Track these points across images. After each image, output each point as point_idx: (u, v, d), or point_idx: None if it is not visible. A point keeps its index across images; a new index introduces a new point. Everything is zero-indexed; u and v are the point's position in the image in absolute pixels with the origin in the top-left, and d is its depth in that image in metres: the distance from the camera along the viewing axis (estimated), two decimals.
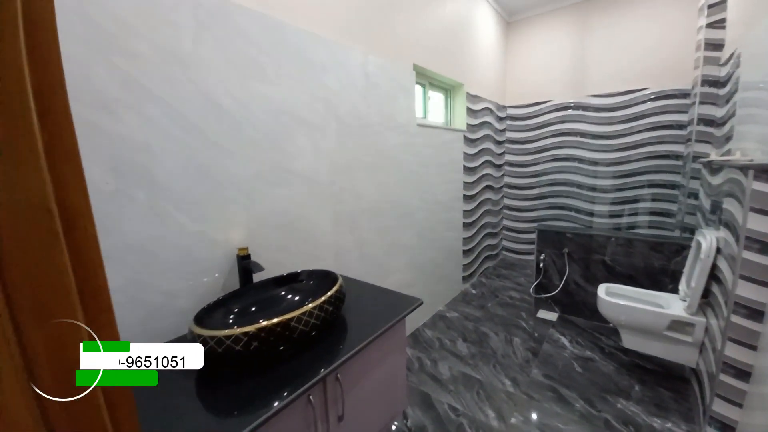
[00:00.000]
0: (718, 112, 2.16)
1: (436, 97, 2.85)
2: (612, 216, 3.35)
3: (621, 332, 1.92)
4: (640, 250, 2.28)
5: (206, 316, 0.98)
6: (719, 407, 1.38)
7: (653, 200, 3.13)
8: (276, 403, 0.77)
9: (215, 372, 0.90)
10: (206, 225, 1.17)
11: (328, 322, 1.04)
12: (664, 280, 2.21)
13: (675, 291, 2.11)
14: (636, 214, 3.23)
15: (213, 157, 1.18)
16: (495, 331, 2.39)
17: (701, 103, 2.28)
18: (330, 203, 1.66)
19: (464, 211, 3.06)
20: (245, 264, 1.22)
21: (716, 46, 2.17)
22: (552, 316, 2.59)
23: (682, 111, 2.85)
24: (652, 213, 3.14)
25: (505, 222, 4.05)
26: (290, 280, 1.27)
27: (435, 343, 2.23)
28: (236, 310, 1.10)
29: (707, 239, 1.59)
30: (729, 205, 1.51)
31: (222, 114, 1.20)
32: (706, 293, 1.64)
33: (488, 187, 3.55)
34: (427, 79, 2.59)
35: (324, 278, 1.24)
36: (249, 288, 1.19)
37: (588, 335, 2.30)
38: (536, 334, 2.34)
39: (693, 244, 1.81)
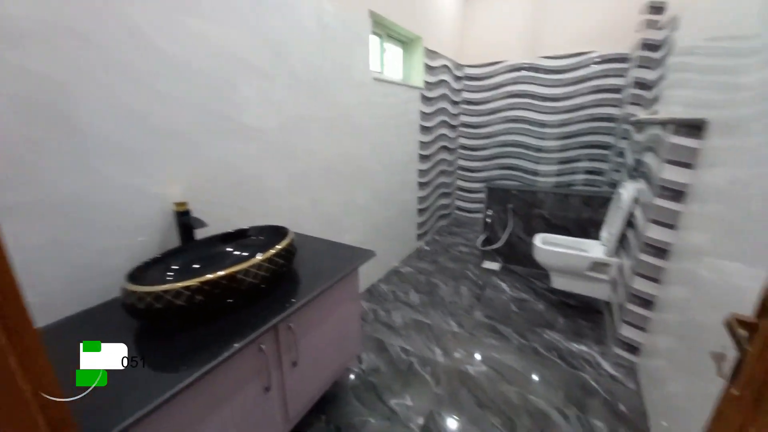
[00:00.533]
0: (650, 75, 2.34)
1: (393, 51, 2.73)
2: (554, 175, 3.61)
3: (551, 275, 2.17)
4: (573, 204, 2.52)
5: (142, 274, 0.92)
6: (626, 331, 1.64)
7: (589, 160, 3.41)
8: (225, 353, 0.78)
9: (157, 327, 0.87)
10: (140, 178, 1.06)
11: (279, 275, 1.04)
12: (592, 229, 2.49)
13: (598, 238, 2.39)
14: (574, 173, 3.51)
15: (146, 102, 1.05)
16: (444, 281, 2.57)
17: (638, 66, 2.44)
18: (283, 160, 1.58)
19: (419, 170, 3.11)
20: (185, 220, 1.14)
21: (658, 8, 2.27)
22: (496, 266, 2.83)
23: (621, 75, 3.04)
24: (588, 172, 3.43)
25: (459, 182, 4.20)
26: (238, 236, 1.23)
27: (389, 296, 2.35)
28: (176, 267, 1.05)
29: (627, 190, 1.79)
30: (648, 158, 1.69)
31: (154, 53, 1.05)
32: (622, 238, 1.87)
33: (444, 147, 3.61)
34: (383, 29, 2.45)
35: (274, 233, 1.21)
36: (191, 245, 1.13)
37: (525, 281, 2.56)
38: (480, 282, 2.55)
39: (615, 196, 2.03)
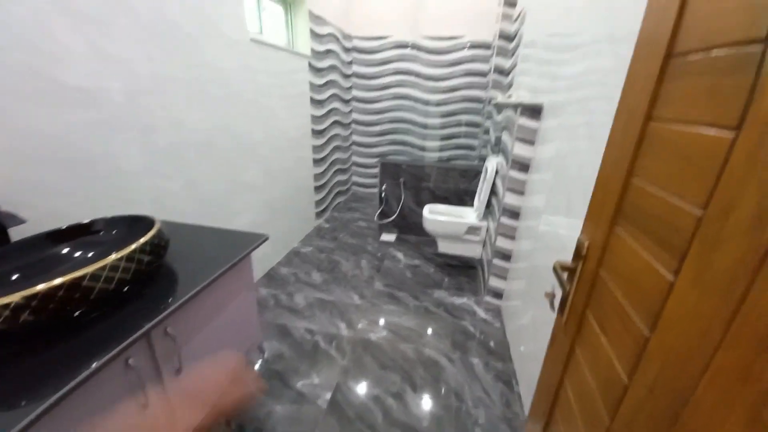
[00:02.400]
0: (506, 63, 2.74)
1: (274, 10, 2.46)
2: (437, 150, 3.99)
3: (437, 241, 2.45)
4: (453, 177, 2.85)
5: None
6: (493, 282, 1.99)
7: (465, 137, 3.88)
8: (78, 377, 0.62)
9: None
10: None
11: (148, 274, 0.87)
12: (467, 198, 2.88)
13: (472, 205, 2.79)
14: (453, 148, 3.95)
15: None
16: (345, 257, 2.62)
17: (497, 54, 2.82)
18: (135, 130, 1.28)
19: (314, 146, 2.99)
20: None
21: (511, 3, 2.63)
22: (391, 237, 3.03)
23: (485, 61, 3.49)
24: (464, 147, 3.91)
25: (354, 158, 4.24)
26: (77, 233, 0.96)
27: (290, 279, 2.27)
28: None
29: (491, 163, 2.12)
30: (505, 137, 2.02)
31: None
32: (489, 204, 2.23)
33: (337, 122, 3.54)
34: None
35: (133, 225, 0.99)
36: (5, 250, 0.84)
37: (417, 248, 2.83)
38: (379, 254, 2.70)
39: (483, 170, 2.38)
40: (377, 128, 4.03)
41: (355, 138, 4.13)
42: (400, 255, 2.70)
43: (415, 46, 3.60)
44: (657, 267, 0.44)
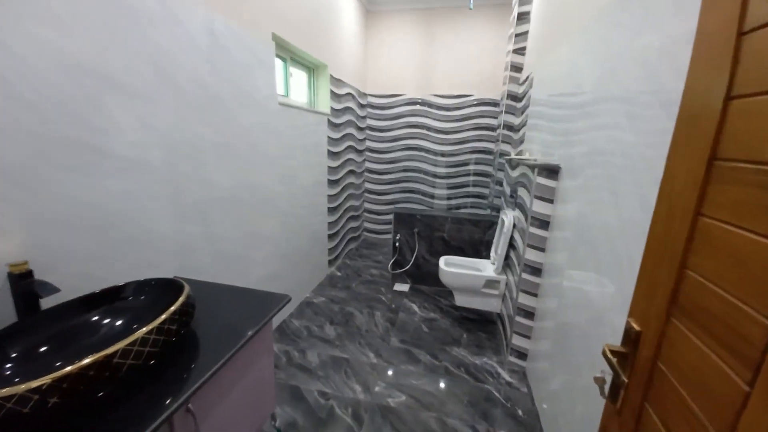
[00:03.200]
0: (515, 120, 2.87)
1: (299, 76, 2.68)
2: (448, 198, 4.06)
3: (454, 293, 2.38)
4: (466, 227, 2.86)
5: None
6: (516, 340, 1.90)
7: (474, 186, 3.96)
8: None
9: None
10: None
11: (173, 344, 0.85)
12: (482, 248, 2.86)
13: (488, 257, 2.76)
14: (462, 196, 4.02)
15: None
16: (359, 309, 2.55)
17: (506, 112, 2.97)
18: (168, 193, 1.34)
19: (329, 195, 3.07)
20: (25, 286, 0.84)
21: (518, 68, 2.83)
22: (405, 287, 2.97)
23: (493, 117, 3.67)
24: (473, 196, 3.97)
25: (366, 204, 4.31)
26: (108, 298, 0.96)
27: (303, 332, 2.20)
28: (15, 354, 0.76)
29: (508, 217, 2.13)
30: (521, 192, 2.05)
31: None
32: (507, 257, 2.20)
33: (351, 171, 3.67)
34: (288, 53, 2.38)
35: (164, 289, 1.00)
36: (36, 319, 0.84)
37: (432, 300, 2.76)
38: (393, 305, 2.63)
39: (499, 221, 2.39)
40: (389, 177, 4.15)
41: (368, 186, 4.24)
42: (415, 307, 2.62)
43: (425, 103, 3.83)
44: (729, 372, 0.41)
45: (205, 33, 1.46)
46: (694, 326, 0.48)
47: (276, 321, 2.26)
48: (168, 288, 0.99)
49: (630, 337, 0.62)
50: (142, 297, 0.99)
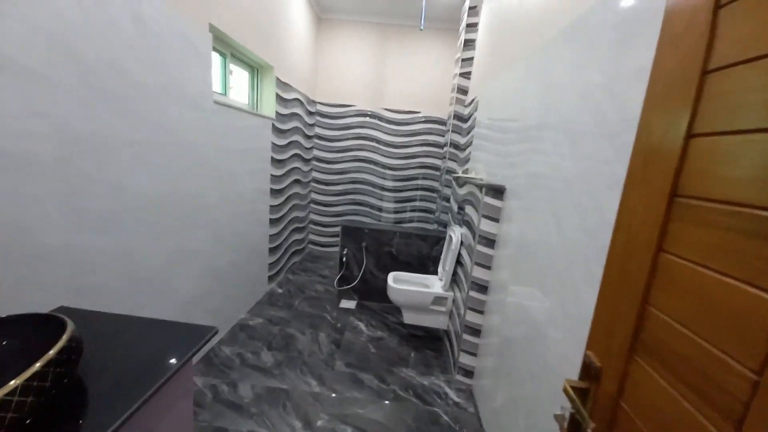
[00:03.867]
0: (461, 140, 2.99)
1: (240, 75, 2.46)
2: (395, 212, 4.07)
3: (402, 311, 2.34)
4: (414, 242, 2.86)
5: None
6: (463, 358, 1.90)
7: (421, 200, 4.03)
8: None
9: None
10: None
11: (52, 398, 0.64)
12: (429, 263, 2.87)
13: (436, 272, 2.78)
14: (409, 210, 4.06)
15: None
16: (302, 330, 2.37)
17: (453, 131, 3.08)
18: (60, 196, 1.07)
19: (271, 206, 2.85)
20: None
21: (464, 91, 2.96)
22: (352, 304, 2.85)
23: (441, 134, 3.79)
24: (420, 210, 4.04)
25: (312, 216, 4.12)
26: None
27: (234, 361, 1.95)
28: None
29: (456, 234, 2.16)
30: (469, 210, 2.09)
31: None
32: (455, 273, 2.23)
33: (297, 181, 3.47)
34: (228, 49, 2.17)
35: (37, 328, 0.76)
36: None
37: (379, 317, 2.68)
38: (339, 325, 2.49)
39: (446, 238, 2.42)
40: (337, 188, 4.03)
41: (314, 196, 4.07)
42: (362, 325, 2.51)
43: (375, 116, 3.83)
44: (704, 422, 0.39)
45: (127, 9, 1.23)
46: (660, 367, 0.47)
47: (202, 350, 1.97)
48: (44, 325, 0.76)
49: (590, 373, 0.60)
50: (5, 342, 0.74)
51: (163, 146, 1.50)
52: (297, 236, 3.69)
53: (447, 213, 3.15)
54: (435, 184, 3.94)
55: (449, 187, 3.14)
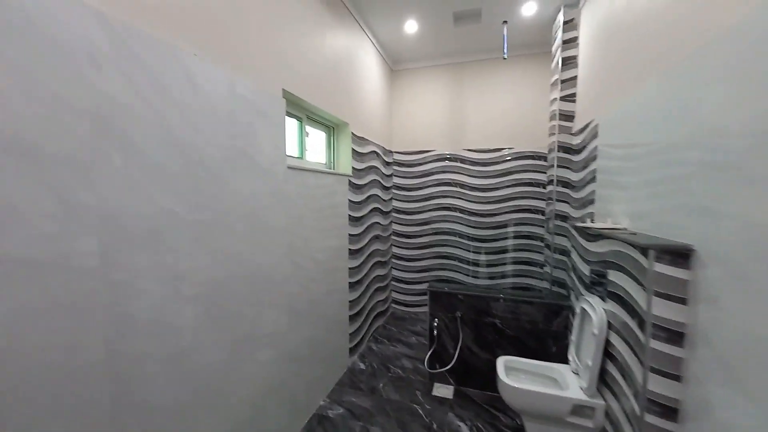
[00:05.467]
0: (574, 176, 2.36)
1: (317, 135, 2.40)
2: (489, 265, 3.44)
3: (524, 419, 1.68)
4: (524, 311, 2.21)
5: None
6: None
7: (520, 250, 3.35)
8: None
9: None
10: None
11: None
12: (548, 341, 2.16)
13: (560, 353, 2.06)
14: (512, 263, 3.39)
15: None
16: (387, 428, 1.88)
17: (559, 166, 2.49)
18: (101, 305, 0.90)
19: (350, 268, 2.59)
20: None
21: (568, 117, 2.41)
22: (448, 391, 2.26)
23: (540, 171, 3.18)
24: (521, 262, 3.34)
25: (394, 272, 3.78)
26: None
27: None
28: None
29: (597, 312, 1.50)
30: (617, 277, 1.45)
31: None
32: (603, 370, 1.53)
33: (376, 237, 3.22)
34: (304, 111, 2.12)
35: None
36: None
37: (486, 415, 2.03)
38: (433, 425, 1.93)
39: (578, 311, 1.75)
40: (419, 240, 3.65)
41: (395, 250, 3.75)
42: (464, 428, 1.91)
43: (456, 158, 3.46)
44: None
45: (185, 79, 1.14)
46: None
47: None
48: None
49: None
50: None
51: (229, 222, 1.35)
52: (379, 296, 3.34)
53: (563, 269, 2.44)
54: (538, 230, 3.25)
55: (563, 235, 2.47)
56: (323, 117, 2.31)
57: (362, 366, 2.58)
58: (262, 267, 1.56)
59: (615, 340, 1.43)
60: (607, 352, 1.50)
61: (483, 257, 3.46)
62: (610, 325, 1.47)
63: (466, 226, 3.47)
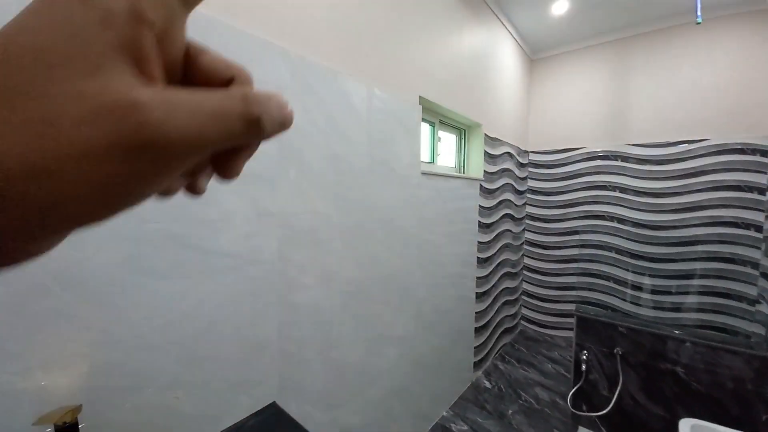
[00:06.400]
0: None
1: (447, 139, 2.35)
2: (655, 292, 2.68)
3: None
4: (725, 362, 1.60)
5: None
6: None
7: (714, 277, 2.47)
8: None
9: None
10: None
11: None
12: (758, 406, 1.51)
13: None
14: (687, 293, 2.56)
15: None
16: None
17: None
18: (277, 292, 1.08)
19: (477, 277, 2.44)
20: None
21: None
22: None
23: (756, 170, 2.28)
24: (711, 293, 2.47)
25: (525, 286, 3.39)
26: None
27: None
28: None
29: None
30: None
31: None
32: None
33: (507, 245, 2.94)
34: (436, 116, 2.10)
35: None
36: None
37: None
38: None
39: None
40: (559, 253, 3.16)
41: (527, 262, 3.36)
42: None
43: (616, 156, 2.83)
44: None
45: (340, 97, 1.26)
46: None
47: None
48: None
49: None
50: None
51: (370, 227, 1.43)
52: (508, 311, 3.05)
53: None
54: (748, 253, 2.34)
55: None
56: (455, 120, 2.25)
57: (487, 384, 2.40)
58: (395, 271, 1.61)
59: None
60: None
61: (647, 280, 2.73)
62: None
63: (627, 239, 2.80)
